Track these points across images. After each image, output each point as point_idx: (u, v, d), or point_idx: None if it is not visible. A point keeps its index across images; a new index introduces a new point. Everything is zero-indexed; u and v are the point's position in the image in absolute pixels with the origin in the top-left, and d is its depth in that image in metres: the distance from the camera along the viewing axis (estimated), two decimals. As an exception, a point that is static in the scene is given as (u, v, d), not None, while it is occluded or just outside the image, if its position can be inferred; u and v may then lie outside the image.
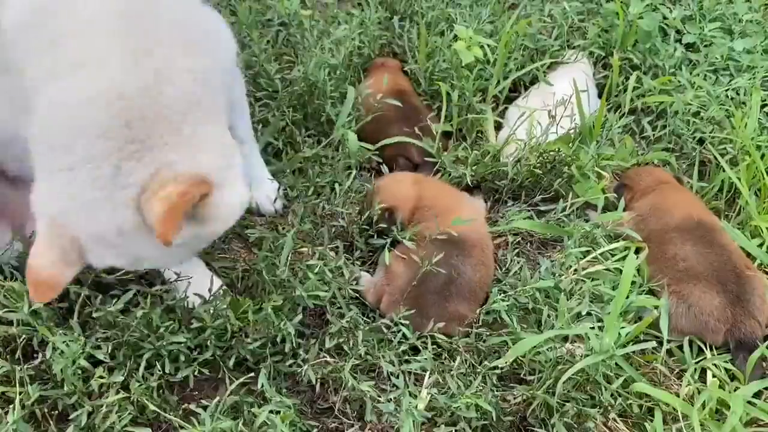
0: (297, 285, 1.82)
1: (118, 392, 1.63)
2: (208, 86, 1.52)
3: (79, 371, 1.64)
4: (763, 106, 2.71)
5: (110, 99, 1.37)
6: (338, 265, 1.91)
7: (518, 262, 2.19)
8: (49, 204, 1.43)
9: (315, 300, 1.86)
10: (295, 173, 2.50)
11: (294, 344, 1.81)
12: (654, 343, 1.88)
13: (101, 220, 1.40)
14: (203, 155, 1.44)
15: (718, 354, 2.00)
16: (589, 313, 1.94)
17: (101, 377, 1.62)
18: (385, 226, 2.15)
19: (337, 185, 2.27)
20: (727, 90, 2.77)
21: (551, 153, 2.40)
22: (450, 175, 2.43)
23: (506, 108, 2.78)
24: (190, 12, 1.70)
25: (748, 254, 2.22)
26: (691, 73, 2.86)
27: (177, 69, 1.46)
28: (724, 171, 2.42)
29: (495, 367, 1.81)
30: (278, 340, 1.82)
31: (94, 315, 1.72)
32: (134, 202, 1.38)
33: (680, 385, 1.92)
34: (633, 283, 2.09)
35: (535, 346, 1.80)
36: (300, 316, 1.85)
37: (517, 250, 2.31)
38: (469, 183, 2.37)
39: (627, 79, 2.81)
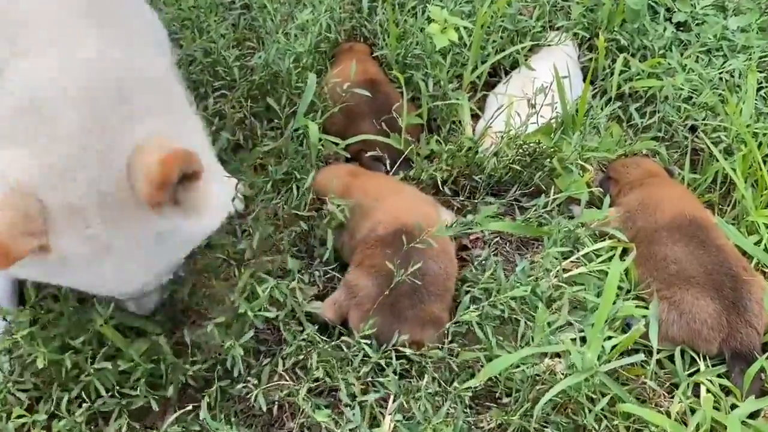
0: (243, 303, 1.63)
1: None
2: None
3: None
4: (759, 89, 2.53)
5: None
6: (291, 287, 1.72)
7: (494, 262, 2.01)
8: (15, 164, 1.23)
9: (263, 321, 1.67)
10: (257, 170, 2.32)
11: (242, 367, 1.63)
12: (642, 356, 1.71)
13: (80, 184, 1.22)
14: (193, 135, 1.41)
15: (712, 365, 1.83)
16: (570, 323, 1.77)
17: (22, 416, 1.43)
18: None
19: (294, 183, 2.08)
20: (720, 72, 2.58)
21: (531, 145, 2.21)
22: (422, 171, 2.24)
23: (485, 95, 2.60)
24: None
25: (745, 253, 2.04)
26: (682, 55, 2.67)
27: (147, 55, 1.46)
28: (717, 161, 2.24)
29: (468, 388, 1.63)
30: (227, 362, 1.64)
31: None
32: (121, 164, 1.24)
33: (671, 401, 1.75)
34: (620, 288, 1.91)
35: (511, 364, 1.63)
36: (251, 333, 1.66)
37: (494, 249, 2.14)
38: (440, 179, 2.19)
39: (613, 62, 2.62)
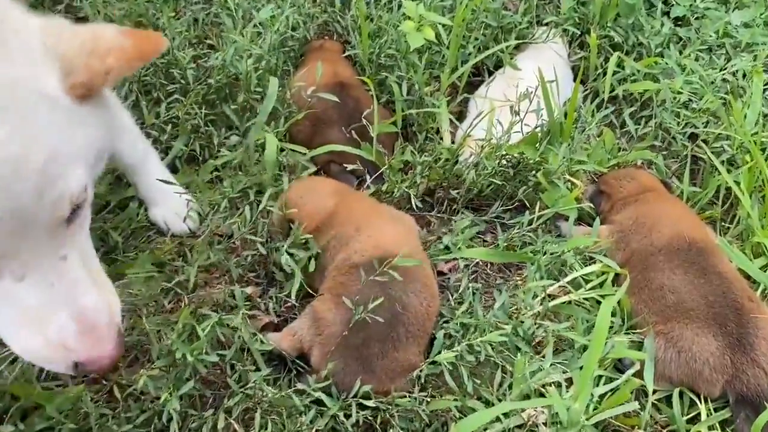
0: (180, 346, 1.42)
1: None
2: None
3: None
4: (765, 92, 2.31)
5: None
6: (234, 325, 1.51)
7: (473, 291, 1.81)
8: None
9: (206, 366, 1.46)
10: (214, 182, 2.11)
11: (179, 421, 1.42)
12: (636, 405, 1.51)
13: None
14: None
15: (714, 409, 1.63)
16: (553, 364, 1.57)
17: None
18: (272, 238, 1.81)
19: (251, 196, 1.86)
20: (723, 73, 2.36)
21: (514, 156, 2.00)
22: (397, 183, 2.03)
23: (468, 98, 2.38)
24: None
25: (749, 278, 1.84)
26: (680, 53, 2.45)
27: None
28: (720, 174, 2.03)
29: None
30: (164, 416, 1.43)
31: None
32: None
33: (668, 453, 1.56)
34: (611, 324, 1.71)
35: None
36: (190, 384, 1.45)
37: (474, 273, 1.94)
38: (413, 195, 1.97)
39: (606, 61, 2.41)
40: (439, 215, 2.07)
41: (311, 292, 1.81)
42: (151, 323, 1.57)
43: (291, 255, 1.74)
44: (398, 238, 1.78)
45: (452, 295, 1.85)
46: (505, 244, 1.94)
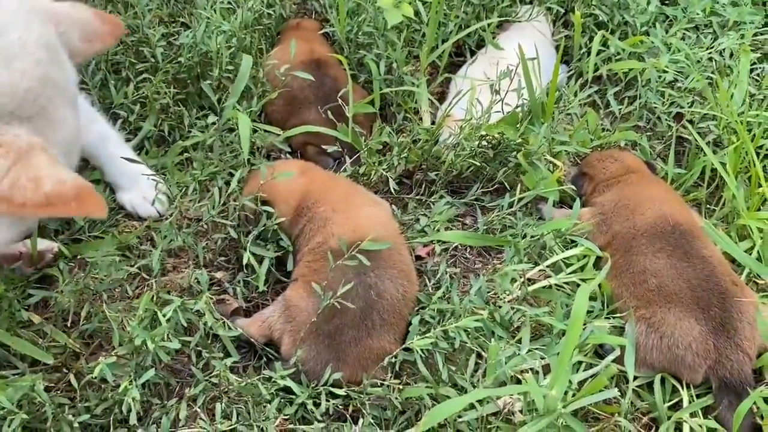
0: (140, 333, 1.35)
1: None
2: None
3: None
4: (751, 71, 2.26)
5: None
6: (198, 309, 1.45)
7: (450, 276, 1.76)
8: None
9: (170, 353, 1.40)
10: (185, 165, 2.04)
11: (140, 411, 1.36)
12: (616, 391, 1.45)
13: None
14: None
15: (696, 395, 1.58)
16: (530, 350, 1.51)
17: None
18: (248, 224, 1.74)
19: (220, 180, 1.79)
20: (709, 52, 2.30)
21: (494, 137, 1.94)
22: (374, 165, 1.96)
23: (449, 79, 2.32)
24: None
25: (734, 261, 1.79)
26: (666, 32, 2.39)
27: None
28: (705, 155, 1.98)
29: (409, 433, 1.38)
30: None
31: None
32: None
33: (649, 441, 1.51)
34: (591, 306, 1.67)
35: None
36: (151, 372, 1.39)
37: (452, 258, 1.88)
38: (391, 178, 1.91)
39: (591, 40, 2.34)
40: (417, 197, 2.01)
41: (283, 278, 1.76)
42: (113, 309, 1.51)
43: (262, 243, 1.69)
44: (376, 222, 1.72)
45: (430, 281, 1.79)
46: (485, 227, 1.89)
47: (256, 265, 1.64)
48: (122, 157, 1.80)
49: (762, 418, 1.51)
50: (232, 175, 1.83)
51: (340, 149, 1.99)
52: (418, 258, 1.85)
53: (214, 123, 1.92)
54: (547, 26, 2.46)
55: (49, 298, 1.61)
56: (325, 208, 1.73)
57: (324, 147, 2.00)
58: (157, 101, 2.03)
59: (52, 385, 1.47)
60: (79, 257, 1.72)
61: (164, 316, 1.38)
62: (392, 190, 1.92)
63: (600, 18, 2.43)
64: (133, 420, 1.31)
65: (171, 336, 1.40)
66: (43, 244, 1.69)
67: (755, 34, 2.38)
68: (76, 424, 1.32)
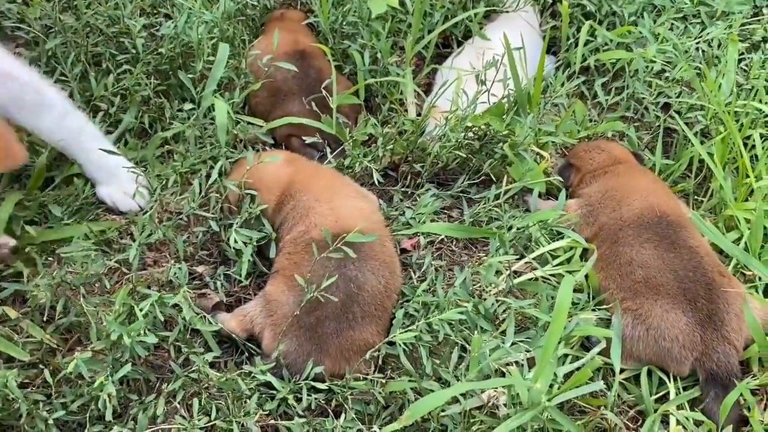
0: (116, 327, 1.33)
1: None
2: None
3: None
4: (740, 61, 2.24)
5: None
6: (176, 302, 1.42)
7: (434, 269, 1.73)
8: None
9: (147, 347, 1.37)
10: (166, 157, 2.01)
11: (116, 407, 1.33)
12: (602, 384, 1.43)
13: None
14: None
15: (683, 387, 1.57)
16: (515, 343, 1.49)
17: None
18: (231, 214, 1.73)
19: (203, 171, 1.77)
20: (697, 42, 2.28)
21: (480, 128, 1.91)
22: (359, 157, 1.94)
23: (435, 70, 2.29)
24: None
25: (721, 252, 1.77)
26: (654, 22, 2.36)
27: None
28: (693, 145, 1.96)
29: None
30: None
31: None
32: None
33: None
34: (577, 299, 1.65)
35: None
36: (128, 368, 1.36)
37: (438, 250, 1.86)
38: (375, 170, 1.88)
39: (578, 30, 2.32)
40: (403, 189, 1.98)
41: (266, 271, 1.73)
42: (90, 304, 1.48)
43: (244, 232, 1.65)
44: (360, 214, 1.70)
45: (415, 273, 1.77)
46: (471, 219, 1.87)
47: (242, 246, 1.61)
48: (100, 149, 1.76)
49: (749, 409, 1.50)
50: (213, 168, 1.80)
51: (321, 140, 1.96)
52: (404, 251, 1.83)
53: (192, 110, 1.89)
54: (534, 16, 2.44)
55: (24, 292, 1.58)
56: (309, 198, 1.72)
57: (305, 138, 1.97)
58: (137, 93, 1.99)
59: (28, 381, 1.44)
60: (56, 251, 1.69)
61: (141, 310, 1.35)
62: (376, 182, 1.89)
63: (588, 8, 2.41)
64: (108, 416, 1.28)
65: (148, 331, 1.37)
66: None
67: (743, 24, 2.36)
68: (50, 421, 1.29)
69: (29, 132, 1.76)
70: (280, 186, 1.75)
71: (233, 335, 1.56)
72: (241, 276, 1.61)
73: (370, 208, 1.79)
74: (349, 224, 1.60)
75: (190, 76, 1.96)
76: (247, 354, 1.61)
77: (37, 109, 1.66)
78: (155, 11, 2.34)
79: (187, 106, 1.85)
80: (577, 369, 1.48)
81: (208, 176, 1.77)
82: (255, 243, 1.63)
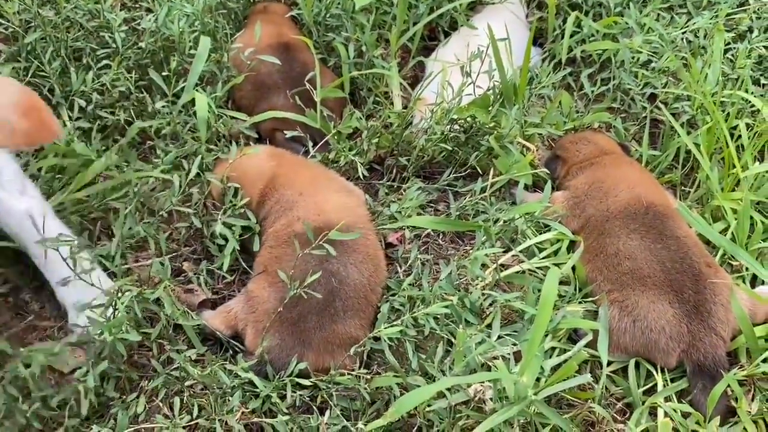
0: (96, 323, 1.30)
1: None
2: None
3: None
4: (726, 51, 2.23)
5: None
6: (157, 297, 1.40)
7: (421, 263, 1.72)
8: None
9: (128, 345, 1.35)
10: (148, 153, 1.98)
11: (94, 403, 1.31)
12: (589, 377, 1.42)
13: None
14: None
15: (671, 380, 1.56)
16: (501, 336, 1.48)
17: None
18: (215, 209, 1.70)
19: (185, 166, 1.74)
20: (684, 32, 2.27)
21: (466, 121, 1.90)
22: (344, 151, 1.91)
23: (421, 63, 2.27)
24: None
25: (708, 243, 1.77)
26: (641, 12, 2.35)
27: None
28: (679, 136, 1.95)
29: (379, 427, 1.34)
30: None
31: None
32: None
33: (624, 425, 1.48)
34: (563, 291, 1.64)
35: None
36: (105, 364, 1.34)
37: (425, 244, 1.84)
38: (360, 163, 1.86)
39: (565, 21, 2.30)
40: (389, 183, 1.97)
41: (249, 270, 1.71)
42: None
43: (227, 226, 1.63)
44: (344, 208, 1.68)
45: (401, 267, 1.76)
46: (457, 213, 1.85)
47: (227, 233, 1.59)
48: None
49: (736, 400, 1.49)
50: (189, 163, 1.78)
51: (303, 134, 1.94)
52: (390, 245, 1.81)
53: (164, 105, 1.86)
54: (521, 8, 2.42)
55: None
56: (292, 192, 1.71)
57: (286, 133, 1.95)
58: (116, 88, 1.96)
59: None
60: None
61: (123, 303, 1.33)
62: (362, 176, 1.88)
63: (574, -1, 2.39)
64: (84, 410, 1.26)
65: (130, 328, 1.35)
66: None
67: (729, 14, 2.35)
68: (29, 414, 1.26)
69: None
70: (264, 180, 1.74)
71: (218, 333, 1.54)
72: (223, 270, 1.59)
73: (354, 202, 1.77)
74: (332, 218, 1.59)
75: (169, 70, 1.93)
76: (231, 352, 1.59)
77: None
78: (136, 5, 2.31)
79: (159, 103, 1.82)
80: (565, 362, 1.47)
81: (188, 172, 1.74)
82: (238, 237, 1.61)
